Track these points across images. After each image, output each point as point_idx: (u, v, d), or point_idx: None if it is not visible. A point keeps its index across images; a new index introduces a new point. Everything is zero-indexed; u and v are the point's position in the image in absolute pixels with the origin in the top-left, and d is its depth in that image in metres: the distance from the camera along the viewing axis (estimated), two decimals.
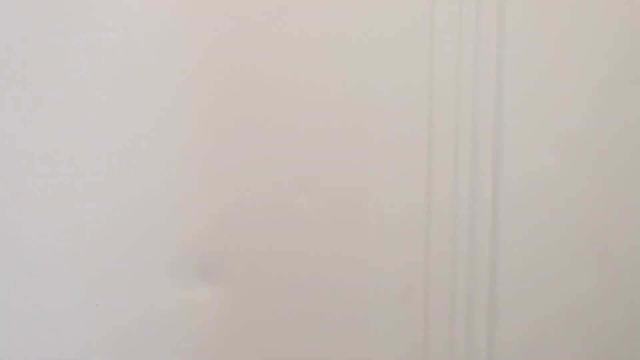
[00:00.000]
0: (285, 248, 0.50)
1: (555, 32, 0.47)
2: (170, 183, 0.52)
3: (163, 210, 0.52)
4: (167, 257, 0.52)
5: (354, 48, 0.50)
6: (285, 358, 0.49)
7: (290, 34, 0.52)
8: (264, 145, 0.51)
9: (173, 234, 0.52)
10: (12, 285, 0.50)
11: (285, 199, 0.50)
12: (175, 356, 0.51)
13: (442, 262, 0.48)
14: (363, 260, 0.48)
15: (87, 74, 0.49)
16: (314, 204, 0.50)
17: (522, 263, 0.46)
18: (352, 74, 0.49)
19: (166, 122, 0.51)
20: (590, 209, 0.43)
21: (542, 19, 0.47)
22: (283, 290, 0.50)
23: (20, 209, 0.51)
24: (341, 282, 0.48)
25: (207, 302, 0.51)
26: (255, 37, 0.52)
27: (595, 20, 0.47)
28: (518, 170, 0.46)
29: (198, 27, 0.50)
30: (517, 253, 0.46)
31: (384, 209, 0.48)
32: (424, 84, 0.47)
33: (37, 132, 0.50)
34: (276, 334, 0.49)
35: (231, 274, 0.51)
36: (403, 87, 0.49)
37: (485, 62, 0.47)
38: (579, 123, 0.46)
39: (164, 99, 0.51)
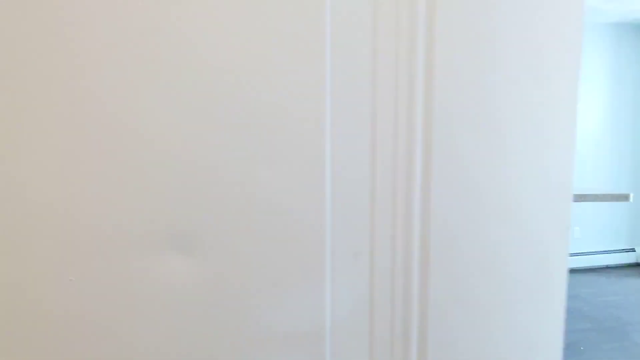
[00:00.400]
0: (253, 218, 0.55)
1: (479, 37, 0.56)
2: (139, 156, 0.53)
3: (134, 183, 0.53)
4: (139, 229, 0.54)
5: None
6: (258, 321, 0.55)
7: None
8: (230, 125, 0.54)
9: (144, 206, 0.54)
10: None
11: (249, 172, 0.54)
12: (151, 326, 0.54)
13: (383, 231, 0.58)
14: (320, 229, 0.56)
15: None
16: (275, 177, 0.55)
17: (448, 227, 0.56)
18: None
19: (136, 104, 0.53)
20: (502, 175, 0.54)
21: (468, 29, 0.56)
22: (253, 257, 0.55)
23: None
24: (303, 248, 0.56)
25: (182, 272, 0.54)
26: None
27: (511, 30, 0.57)
28: (445, 152, 0.56)
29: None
30: (444, 221, 0.56)
31: (337, 187, 0.56)
32: (368, 82, 0.54)
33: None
34: (249, 300, 0.55)
35: (204, 244, 0.55)
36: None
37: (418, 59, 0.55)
38: (497, 110, 0.56)
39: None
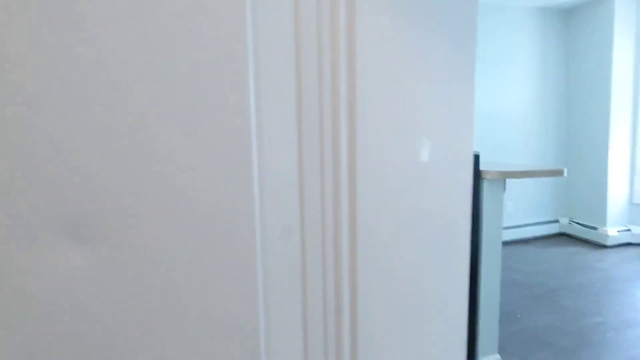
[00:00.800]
0: (167, 197, 0.47)
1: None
2: (19, 132, 0.44)
3: (16, 166, 0.44)
4: (25, 218, 0.45)
5: None
6: (180, 313, 0.49)
7: None
8: (142, 84, 0.45)
9: (29, 192, 0.45)
10: None
11: (160, 141, 0.46)
12: (47, 324, 0.47)
13: (313, 205, 0.56)
14: (248, 206, 0.53)
15: None
16: (194, 148, 0.47)
17: (372, 200, 0.56)
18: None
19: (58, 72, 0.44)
20: (414, 151, 0.56)
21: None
22: (170, 242, 0.48)
23: None
24: (228, 226, 0.52)
25: (79, 266, 0.46)
26: None
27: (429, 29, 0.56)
28: (368, 133, 0.55)
29: None
30: (369, 195, 0.56)
31: (264, 159, 0.53)
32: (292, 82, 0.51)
33: None
34: (168, 291, 0.48)
35: (106, 231, 0.46)
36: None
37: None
38: (409, 87, 0.56)
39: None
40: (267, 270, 0.54)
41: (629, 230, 7.13)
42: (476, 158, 3.40)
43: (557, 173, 3.66)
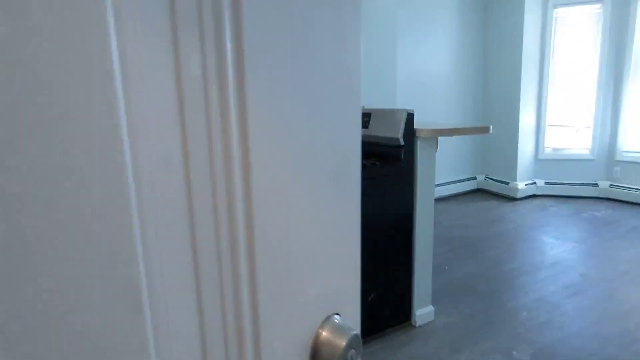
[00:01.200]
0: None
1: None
2: None
3: None
4: None
5: None
6: (31, 262, 0.38)
7: None
8: None
9: None
10: None
11: None
12: None
13: (197, 130, 0.48)
14: (114, 133, 0.43)
15: None
16: (28, 32, 0.32)
17: (264, 126, 0.49)
18: None
19: None
20: (310, 90, 0.51)
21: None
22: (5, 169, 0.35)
23: None
24: (87, 155, 0.41)
25: None
26: None
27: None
28: (260, 48, 0.48)
29: None
30: (260, 121, 0.49)
31: (130, 78, 0.43)
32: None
33: None
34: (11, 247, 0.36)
35: None
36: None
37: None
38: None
39: None
40: (143, 204, 0.45)
41: (534, 183, 7.87)
42: (410, 116, 3.43)
43: (485, 130, 3.84)
